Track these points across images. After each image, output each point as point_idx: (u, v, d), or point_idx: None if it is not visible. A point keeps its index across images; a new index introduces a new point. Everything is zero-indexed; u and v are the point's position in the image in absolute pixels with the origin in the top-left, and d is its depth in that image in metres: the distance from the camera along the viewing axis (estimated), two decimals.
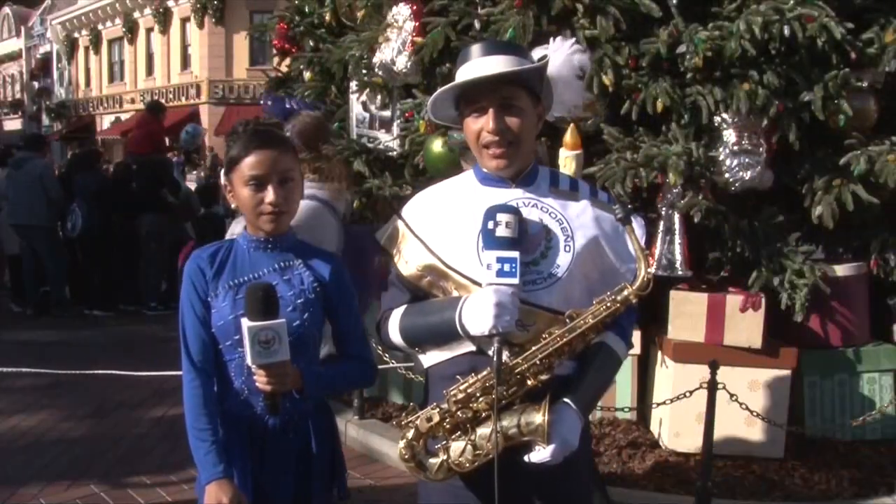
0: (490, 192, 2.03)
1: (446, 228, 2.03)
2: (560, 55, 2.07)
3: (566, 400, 1.94)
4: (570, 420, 1.92)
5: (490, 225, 1.91)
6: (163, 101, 26.97)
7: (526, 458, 1.89)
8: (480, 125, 1.98)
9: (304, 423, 2.18)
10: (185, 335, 2.12)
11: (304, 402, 2.13)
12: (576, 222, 2.02)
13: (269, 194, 2.07)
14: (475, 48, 2.02)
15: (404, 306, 2.07)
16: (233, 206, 2.18)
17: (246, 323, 1.96)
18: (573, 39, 2.15)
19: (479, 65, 1.97)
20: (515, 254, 1.89)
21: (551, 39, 2.14)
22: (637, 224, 2.00)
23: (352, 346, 2.23)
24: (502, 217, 1.91)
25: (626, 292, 1.96)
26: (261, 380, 2.01)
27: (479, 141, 1.99)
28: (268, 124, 2.22)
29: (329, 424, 2.28)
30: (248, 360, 1.99)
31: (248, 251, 2.16)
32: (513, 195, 2.02)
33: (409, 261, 2.07)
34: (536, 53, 2.08)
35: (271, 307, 1.98)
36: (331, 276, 2.18)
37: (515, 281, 1.88)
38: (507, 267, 1.88)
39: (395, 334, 2.08)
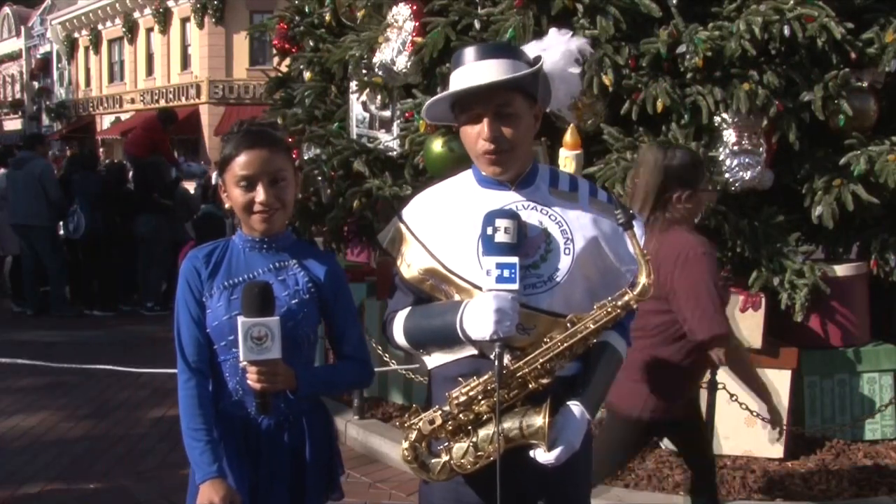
0: (488, 194, 2.02)
1: (446, 232, 2.03)
2: (557, 49, 2.03)
3: (574, 401, 1.95)
4: (575, 422, 1.92)
5: (489, 230, 1.91)
6: (163, 101, 27.13)
7: (531, 454, 1.90)
8: (476, 132, 1.97)
9: (298, 423, 2.17)
10: (180, 335, 2.12)
11: (298, 401, 2.12)
12: (575, 224, 2.00)
13: (259, 194, 2.06)
14: (468, 52, 1.99)
15: (408, 308, 2.09)
16: (227, 205, 2.17)
17: (240, 318, 1.97)
18: (570, 32, 2.10)
19: (473, 70, 1.94)
20: (515, 259, 1.89)
21: (551, 31, 2.10)
22: (637, 225, 1.98)
23: (348, 347, 2.22)
24: (501, 223, 1.90)
25: (626, 298, 1.95)
26: (252, 377, 2.01)
27: (476, 147, 1.99)
28: (263, 124, 2.20)
29: (324, 423, 2.26)
30: (241, 356, 1.99)
31: (243, 251, 2.15)
32: (511, 198, 2.01)
33: (411, 264, 2.07)
34: (533, 49, 2.04)
35: (267, 305, 1.98)
36: (326, 276, 2.17)
37: (515, 287, 1.88)
38: (506, 273, 1.88)
39: (399, 336, 2.10)
